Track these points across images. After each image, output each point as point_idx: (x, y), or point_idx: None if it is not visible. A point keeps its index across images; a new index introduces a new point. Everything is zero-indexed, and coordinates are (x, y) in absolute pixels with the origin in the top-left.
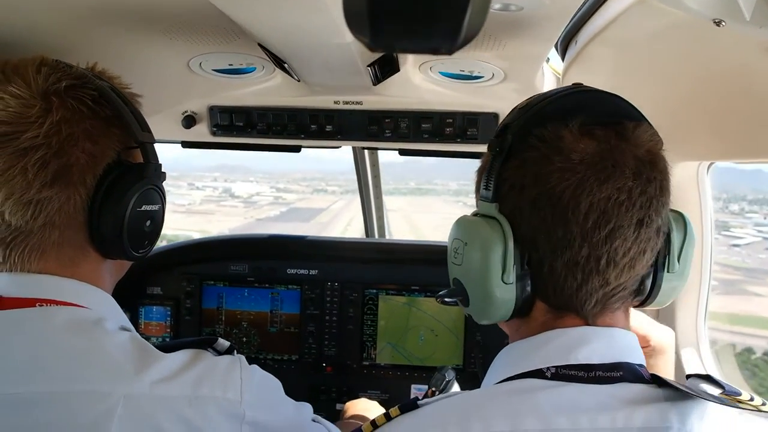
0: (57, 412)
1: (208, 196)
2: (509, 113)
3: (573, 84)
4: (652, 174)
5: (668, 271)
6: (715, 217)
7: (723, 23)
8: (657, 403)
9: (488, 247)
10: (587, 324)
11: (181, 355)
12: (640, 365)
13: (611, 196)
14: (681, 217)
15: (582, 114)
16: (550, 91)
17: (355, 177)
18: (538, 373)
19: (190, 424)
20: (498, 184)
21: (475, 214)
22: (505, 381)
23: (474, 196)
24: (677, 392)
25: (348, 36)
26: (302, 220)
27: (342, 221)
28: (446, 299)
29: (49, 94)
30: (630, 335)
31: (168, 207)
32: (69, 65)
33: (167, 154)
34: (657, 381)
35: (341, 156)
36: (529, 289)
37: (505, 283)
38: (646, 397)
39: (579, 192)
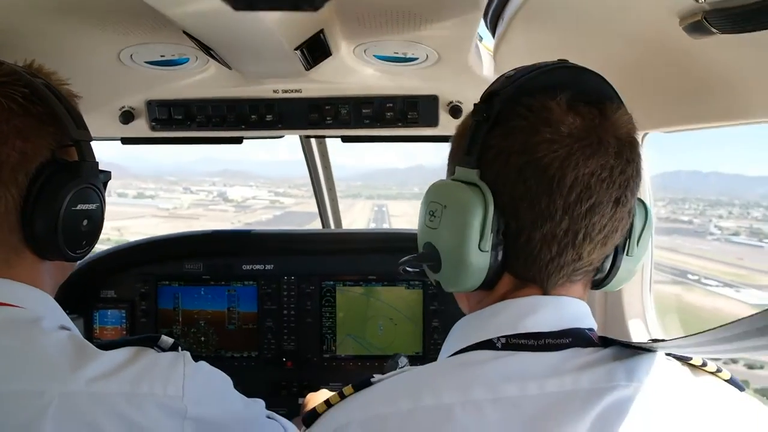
0: None
1: (200, 200)
2: (495, 81)
3: (558, 59)
4: (631, 156)
5: (627, 254)
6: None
7: None
8: (605, 363)
9: (469, 211)
10: (544, 294)
11: (122, 353)
12: (590, 329)
13: (595, 171)
14: (642, 204)
15: (568, 90)
16: (536, 64)
17: (357, 182)
18: (488, 344)
19: (130, 422)
20: (482, 151)
21: (453, 180)
22: (457, 354)
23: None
24: (625, 350)
25: (267, 19)
26: (296, 224)
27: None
28: (408, 267)
29: None
30: (580, 303)
31: (148, 211)
32: None
33: (167, 159)
34: (605, 342)
35: (344, 162)
36: (500, 259)
37: (481, 251)
38: (595, 359)
39: (566, 164)
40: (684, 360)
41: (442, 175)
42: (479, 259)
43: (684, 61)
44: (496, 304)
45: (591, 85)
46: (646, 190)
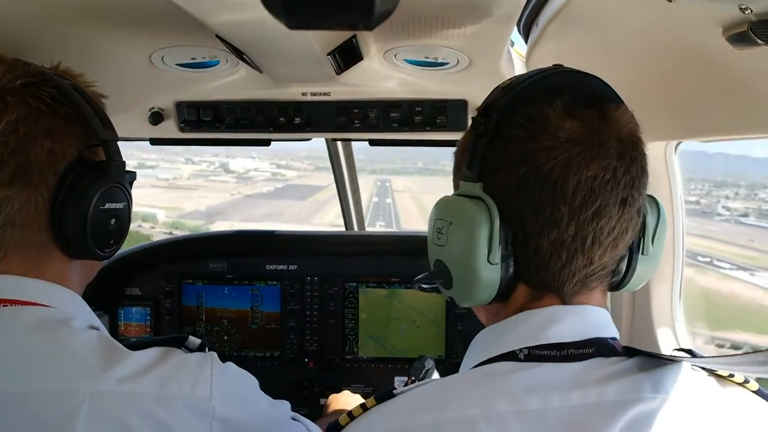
0: (22, 413)
1: (201, 170)
2: (491, 93)
3: (553, 65)
4: (634, 154)
5: (642, 254)
6: None
7: None
8: (630, 375)
9: (474, 226)
10: (563, 303)
11: (150, 353)
12: (613, 338)
13: (597, 174)
14: (654, 201)
15: (565, 95)
16: (531, 71)
17: (361, 156)
18: (511, 356)
19: (159, 422)
20: (483, 164)
21: (457, 195)
22: (479, 365)
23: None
24: (651, 361)
25: None
26: (297, 197)
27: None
28: (423, 285)
29: (5, 92)
30: (602, 311)
31: (147, 181)
32: (27, 63)
33: None
34: (630, 352)
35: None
36: (512, 270)
37: (491, 264)
38: (620, 370)
39: (567, 170)
40: (710, 371)
41: (445, 151)
42: (489, 272)
43: (724, 71)
44: (516, 315)
45: (588, 88)
46: (678, 194)
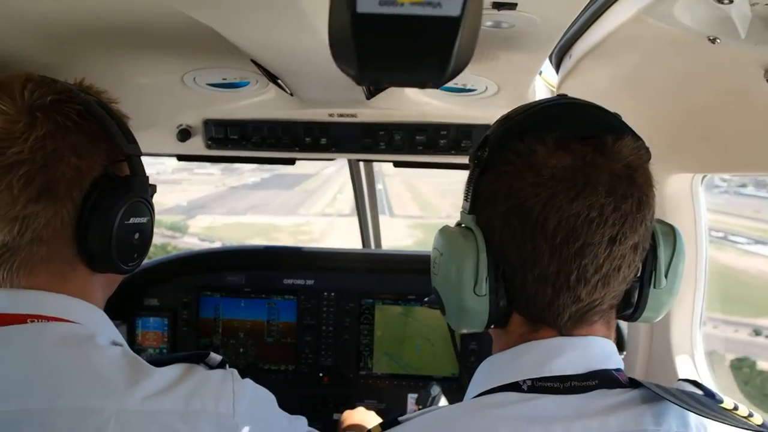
0: (49, 430)
1: (185, 164)
2: (493, 124)
3: (558, 95)
4: (629, 190)
5: (655, 287)
6: None
7: (718, 40)
8: (633, 407)
9: (461, 258)
10: (562, 335)
11: (173, 370)
12: (617, 370)
13: (581, 213)
14: (671, 231)
15: (561, 127)
16: (531, 102)
17: None
18: (514, 386)
19: None
20: (475, 196)
21: (458, 224)
22: (483, 394)
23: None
24: (655, 393)
25: None
26: (284, 187)
27: (331, 189)
28: (431, 305)
29: (34, 109)
30: (606, 342)
31: None
32: (54, 80)
33: None
34: (634, 384)
35: None
36: (504, 301)
37: (477, 295)
38: (623, 402)
39: (548, 208)
40: (716, 401)
41: None
42: (476, 303)
43: (759, 109)
44: (519, 346)
45: (587, 119)
46: (702, 225)
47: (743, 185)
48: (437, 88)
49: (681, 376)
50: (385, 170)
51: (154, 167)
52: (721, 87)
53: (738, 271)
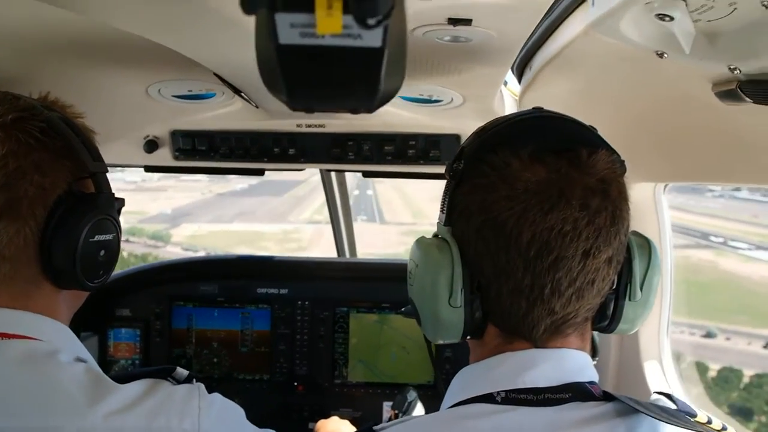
0: None
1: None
2: (468, 137)
3: (533, 108)
4: (602, 204)
5: (630, 300)
6: None
7: (665, 55)
8: (606, 420)
9: (436, 270)
10: (536, 347)
11: (137, 386)
12: (591, 383)
13: (554, 226)
14: (646, 244)
15: (536, 140)
16: (508, 115)
17: None
18: (488, 398)
19: None
20: (450, 208)
21: (435, 235)
22: (457, 405)
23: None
24: (628, 406)
25: None
26: (272, 193)
27: (321, 195)
28: (406, 315)
29: None
30: (580, 354)
31: (113, 186)
32: (17, 97)
33: None
34: (607, 397)
35: None
36: (479, 313)
37: (452, 307)
38: (596, 415)
39: (522, 222)
40: (690, 415)
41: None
42: (451, 315)
43: (712, 121)
44: (493, 357)
45: (562, 133)
46: (666, 233)
47: (737, 189)
48: (370, 113)
49: (650, 382)
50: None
51: (138, 174)
52: (674, 99)
53: (741, 278)
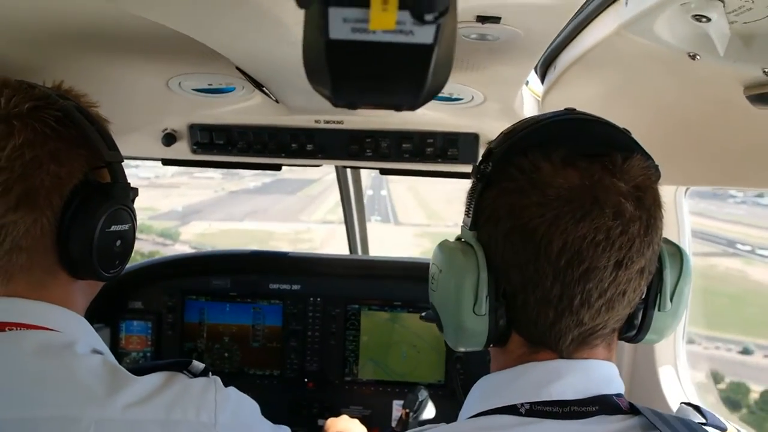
0: None
1: (186, 168)
2: (496, 137)
3: (565, 109)
4: (636, 213)
5: (659, 310)
6: None
7: (698, 57)
8: None
9: (461, 276)
10: (562, 357)
11: (154, 378)
12: (618, 395)
13: (587, 235)
14: (678, 252)
15: (568, 143)
16: (539, 115)
17: None
18: (511, 409)
19: None
20: (477, 212)
21: (458, 239)
22: (478, 416)
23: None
24: (655, 419)
25: None
26: (286, 192)
27: (334, 194)
28: (427, 320)
29: (11, 117)
30: (607, 365)
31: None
32: (32, 86)
33: None
34: (634, 410)
35: None
36: (504, 321)
37: (477, 315)
38: (622, 429)
39: (553, 230)
40: (720, 429)
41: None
42: (476, 323)
43: (741, 125)
44: (518, 367)
45: (596, 136)
46: (686, 237)
47: (760, 195)
48: (413, 111)
49: (664, 387)
50: (389, 176)
51: (152, 170)
52: (702, 102)
53: None
